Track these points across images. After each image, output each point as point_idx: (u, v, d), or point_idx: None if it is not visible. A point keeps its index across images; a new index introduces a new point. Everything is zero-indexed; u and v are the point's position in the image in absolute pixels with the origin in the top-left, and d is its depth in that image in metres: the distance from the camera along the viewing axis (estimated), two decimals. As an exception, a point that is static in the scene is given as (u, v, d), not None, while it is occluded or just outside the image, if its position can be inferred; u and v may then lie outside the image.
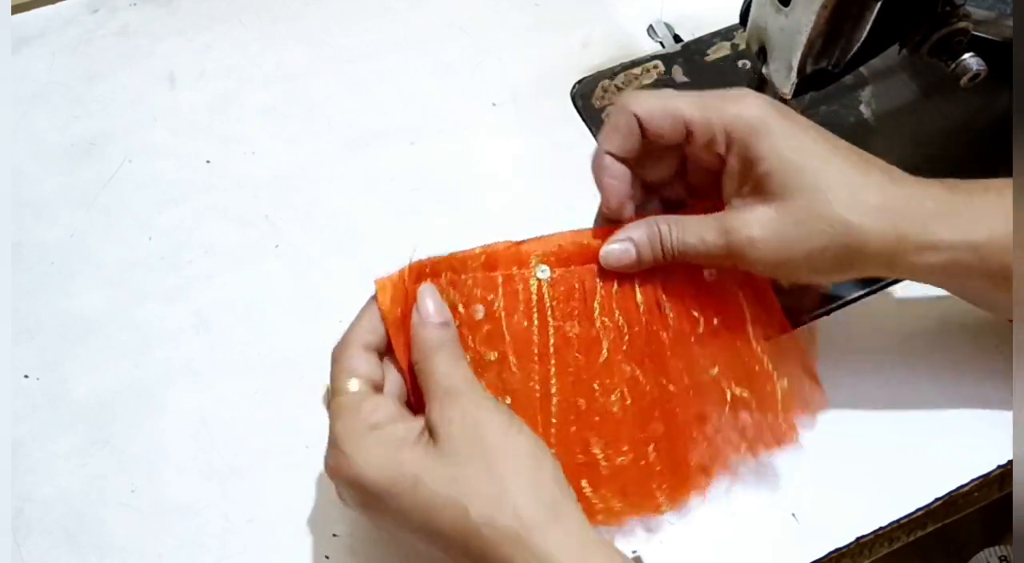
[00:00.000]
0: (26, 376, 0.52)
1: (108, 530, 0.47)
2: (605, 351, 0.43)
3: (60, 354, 0.52)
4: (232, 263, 0.56)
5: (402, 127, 0.61)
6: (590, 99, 0.62)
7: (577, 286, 0.44)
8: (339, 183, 0.59)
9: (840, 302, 0.53)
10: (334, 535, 0.47)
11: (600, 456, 0.43)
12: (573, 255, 0.44)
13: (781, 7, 0.45)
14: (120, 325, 0.53)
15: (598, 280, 0.44)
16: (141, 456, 0.49)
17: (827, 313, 0.53)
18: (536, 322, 0.43)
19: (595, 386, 0.43)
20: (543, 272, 0.44)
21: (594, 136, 0.61)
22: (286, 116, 0.62)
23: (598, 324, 0.43)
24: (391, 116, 0.62)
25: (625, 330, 0.43)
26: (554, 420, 0.43)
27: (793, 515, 0.48)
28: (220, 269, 0.55)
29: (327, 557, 0.47)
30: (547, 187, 0.58)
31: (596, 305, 0.44)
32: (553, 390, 0.43)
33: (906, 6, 0.46)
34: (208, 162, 0.60)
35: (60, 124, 0.61)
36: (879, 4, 0.42)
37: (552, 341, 0.43)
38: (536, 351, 0.43)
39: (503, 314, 0.43)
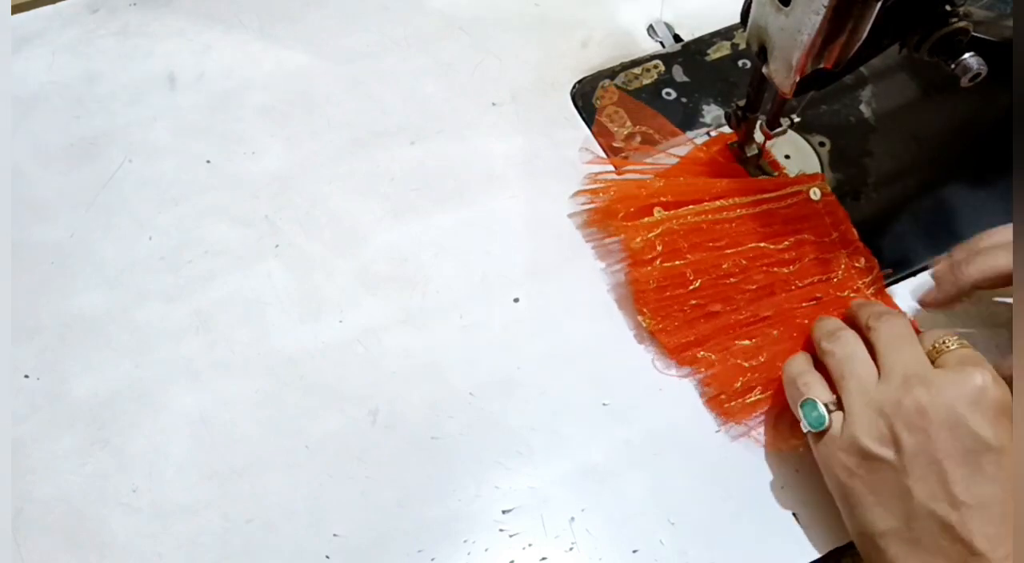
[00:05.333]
0: (26, 376, 0.52)
1: (108, 530, 0.47)
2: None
3: (60, 354, 0.52)
4: (232, 263, 0.56)
5: (402, 127, 0.61)
6: (590, 99, 0.62)
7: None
8: (339, 183, 0.59)
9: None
10: (334, 535, 0.47)
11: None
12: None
13: (781, 7, 0.45)
14: (120, 325, 0.53)
15: None
16: (141, 456, 0.49)
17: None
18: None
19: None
20: None
21: (594, 136, 0.61)
22: (286, 116, 0.62)
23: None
24: (391, 116, 0.62)
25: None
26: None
27: (793, 515, 0.48)
28: (220, 269, 0.55)
29: (327, 557, 0.47)
30: (547, 187, 0.58)
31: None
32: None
33: (906, 6, 0.45)
34: (208, 162, 0.60)
35: (60, 124, 0.61)
36: (879, 4, 0.42)
37: None
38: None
39: None
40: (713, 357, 0.52)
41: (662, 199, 0.55)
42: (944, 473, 0.40)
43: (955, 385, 0.41)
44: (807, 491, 0.48)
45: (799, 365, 0.47)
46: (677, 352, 0.52)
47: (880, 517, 0.41)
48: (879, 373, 0.44)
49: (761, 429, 0.50)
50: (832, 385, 0.46)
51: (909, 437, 0.41)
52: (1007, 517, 0.39)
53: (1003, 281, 0.48)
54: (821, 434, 0.44)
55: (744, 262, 0.54)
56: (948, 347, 0.44)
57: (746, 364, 0.51)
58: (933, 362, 0.44)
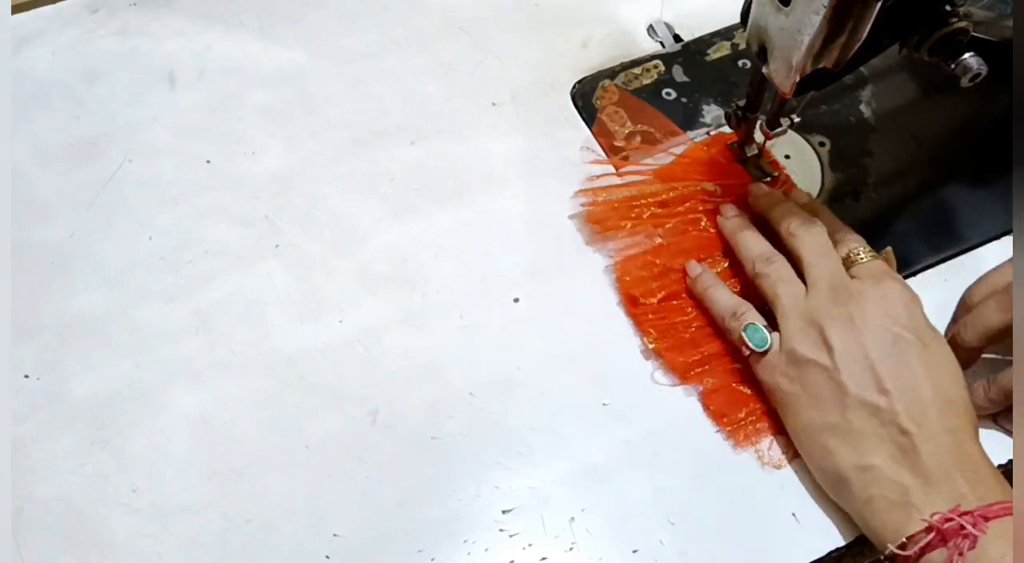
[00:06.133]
0: (26, 376, 0.52)
1: (108, 530, 0.47)
2: None
3: (60, 354, 0.52)
4: (232, 263, 0.56)
5: (402, 127, 0.61)
6: (590, 99, 0.62)
7: None
8: (339, 183, 0.59)
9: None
10: (334, 535, 0.47)
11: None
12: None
13: (781, 7, 0.45)
14: (120, 325, 0.53)
15: None
16: (141, 456, 0.49)
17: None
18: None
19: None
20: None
21: (594, 136, 0.61)
22: (286, 116, 0.62)
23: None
24: (391, 116, 0.62)
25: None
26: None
27: (793, 515, 0.48)
28: (220, 269, 0.55)
29: (327, 557, 0.47)
30: (547, 187, 0.58)
31: None
32: None
33: (906, 6, 0.46)
34: (208, 162, 0.60)
35: (60, 124, 0.61)
36: (879, 4, 0.42)
37: None
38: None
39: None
40: (714, 382, 0.51)
41: (664, 263, 0.55)
42: (872, 366, 0.45)
43: (878, 298, 0.47)
44: (807, 491, 0.48)
45: (730, 299, 0.51)
46: (684, 371, 0.51)
47: (819, 414, 0.46)
48: (805, 285, 0.49)
49: (763, 444, 0.50)
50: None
51: (839, 342, 0.46)
52: (928, 400, 0.44)
53: (1002, 335, 0.48)
54: (763, 353, 0.49)
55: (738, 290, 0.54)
56: (861, 258, 0.50)
57: (748, 392, 0.51)
58: (848, 269, 0.49)
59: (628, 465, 0.49)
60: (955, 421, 0.45)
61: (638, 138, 0.60)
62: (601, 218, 0.56)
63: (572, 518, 0.48)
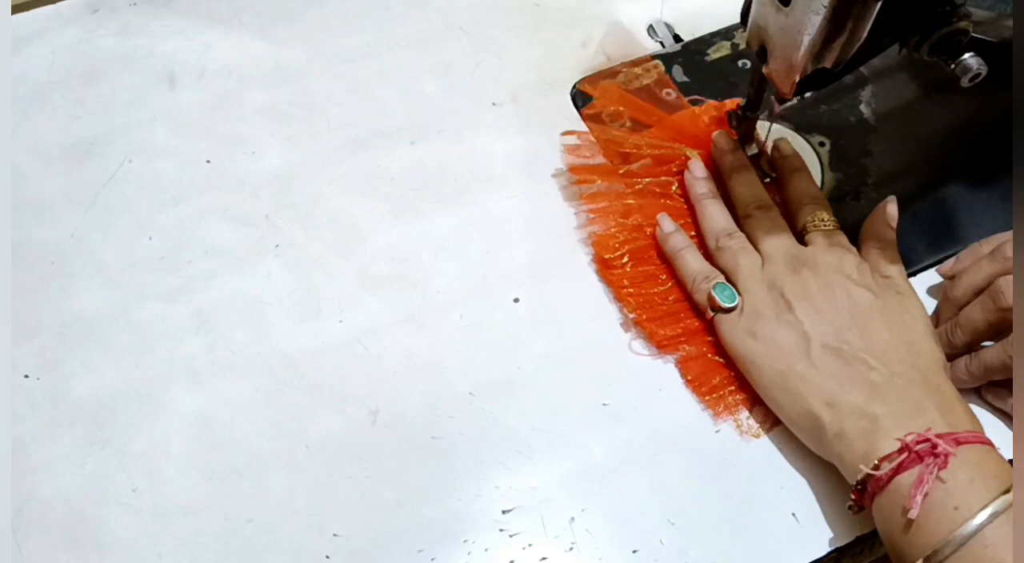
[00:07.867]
0: (26, 376, 0.52)
1: (108, 530, 0.47)
2: None
3: (60, 354, 0.52)
4: (232, 263, 0.56)
5: (402, 127, 0.61)
6: (590, 99, 0.62)
7: None
8: (339, 183, 0.59)
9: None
10: (334, 535, 0.47)
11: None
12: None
13: (781, 7, 0.45)
14: (120, 325, 0.53)
15: None
16: (141, 456, 0.49)
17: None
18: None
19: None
20: None
21: (592, 132, 0.61)
22: (286, 116, 0.62)
23: None
24: (391, 116, 0.62)
25: None
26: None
27: (793, 515, 0.48)
28: (220, 269, 0.55)
29: (327, 557, 0.47)
30: (547, 187, 0.58)
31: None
32: None
33: (906, 6, 0.46)
34: (208, 162, 0.60)
35: (60, 124, 0.61)
36: (879, 4, 0.42)
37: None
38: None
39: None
40: (691, 350, 0.52)
41: (632, 223, 0.56)
42: (832, 318, 0.48)
43: (831, 261, 0.50)
44: (807, 491, 0.48)
45: (703, 264, 0.53)
46: (663, 346, 0.52)
47: (785, 363, 0.48)
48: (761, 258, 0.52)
49: (749, 421, 0.50)
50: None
51: (798, 299, 0.49)
52: (886, 342, 0.47)
53: (989, 333, 0.49)
54: (728, 311, 0.50)
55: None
56: (824, 225, 0.52)
57: (723, 361, 0.52)
58: (808, 233, 0.52)
59: (628, 465, 0.49)
60: (919, 360, 0.47)
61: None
62: (585, 171, 0.58)
63: (572, 518, 0.48)
